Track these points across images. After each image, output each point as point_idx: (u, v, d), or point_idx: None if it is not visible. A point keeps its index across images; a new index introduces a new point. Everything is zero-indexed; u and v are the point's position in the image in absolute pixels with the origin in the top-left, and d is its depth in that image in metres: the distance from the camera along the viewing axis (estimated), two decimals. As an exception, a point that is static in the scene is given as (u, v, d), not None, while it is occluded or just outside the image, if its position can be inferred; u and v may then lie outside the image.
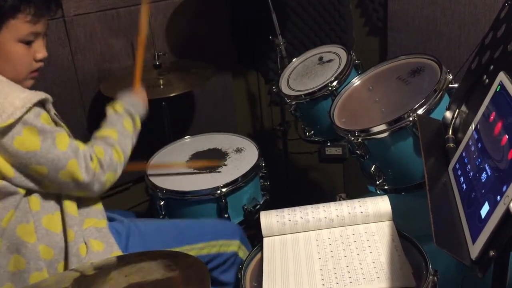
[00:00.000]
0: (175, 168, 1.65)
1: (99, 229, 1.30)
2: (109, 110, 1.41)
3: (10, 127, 1.10)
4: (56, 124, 1.21)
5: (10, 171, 1.15)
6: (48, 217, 1.23)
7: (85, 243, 1.26)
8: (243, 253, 1.45)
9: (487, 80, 1.03)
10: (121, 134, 1.36)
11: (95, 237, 1.28)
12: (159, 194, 1.54)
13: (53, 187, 1.22)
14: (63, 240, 1.24)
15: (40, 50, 1.24)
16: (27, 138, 1.13)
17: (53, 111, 1.21)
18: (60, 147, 1.18)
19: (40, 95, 1.16)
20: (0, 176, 1.14)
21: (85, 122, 2.01)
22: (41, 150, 1.15)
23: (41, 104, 1.16)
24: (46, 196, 1.23)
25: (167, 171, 1.64)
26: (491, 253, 0.73)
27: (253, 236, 1.31)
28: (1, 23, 1.15)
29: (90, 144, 1.30)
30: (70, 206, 1.25)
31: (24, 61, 1.21)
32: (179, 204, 1.55)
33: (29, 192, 1.20)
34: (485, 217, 0.77)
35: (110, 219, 1.39)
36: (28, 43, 1.21)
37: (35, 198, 1.21)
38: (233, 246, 1.44)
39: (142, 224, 1.42)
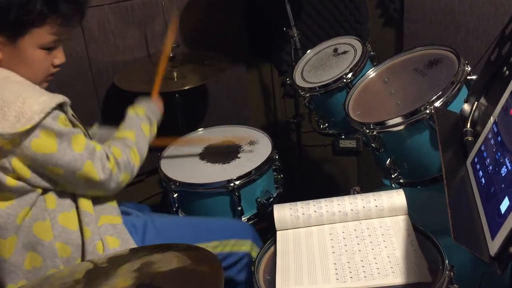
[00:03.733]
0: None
1: (114, 226, 1.31)
2: (130, 111, 1.44)
3: (28, 132, 1.10)
4: (73, 125, 1.22)
5: (26, 172, 1.15)
6: (64, 215, 1.24)
7: (101, 240, 1.27)
8: (256, 253, 1.44)
9: (507, 72, 1.01)
10: (138, 136, 1.39)
11: (111, 233, 1.29)
12: (172, 186, 1.54)
13: (69, 187, 1.23)
14: (80, 237, 1.25)
15: (59, 56, 1.24)
16: (44, 140, 1.13)
17: (70, 112, 1.21)
18: (77, 149, 1.19)
19: (58, 98, 1.15)
20: (17, 177, 1.15)
21: (99, 114, 2.02)
22: (58, 152, 1.16)
23: (59, 106, 1.16)
24: (62, 194, 1.24)
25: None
26: (511, 249, 0.72)
27: (266, 230, 1.30)
28: (25, 31, 1.15)
29: (108, 144, 1.31)
30: (85, 203, 1.26)
31: (43, 66, 1.22)
32: (192, 196, 1.55)
33: (45, 190, 1.21)
34: (505, 212, 0.75)
35: (126, 213, 1.40)
36: (49, 49, 1.21)
37: (51, 196, 1.22)
38: (246, 246, 1.44)
39: (158, 219, 1.44)
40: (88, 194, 1.27)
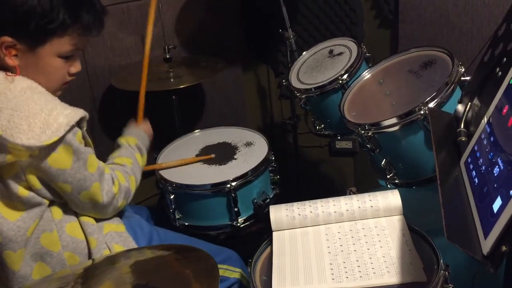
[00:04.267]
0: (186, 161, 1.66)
1: (120, 234, 1.32)
2: (123, 142, 1.45)
3: (52, 145, 1.09)
4: (85, 140, 1.21)
5: (37, 183, 1.15)
6: (71, 225, 1.25)
7: (109, 248, 1.27)
8: (246, 282, 1.45)
9: (500, 73, 1.02)
10: (134, 166, 1.41)
11: (117, 241, 1.30)
12: (169, 187, 1.55)
13: (71, 204, 1.24)
14: (87, 247, 1.25)
15: (75, 65, 1.24)
16: (61, 156, 1.13)
17: (85, 127, 1.21)
18: (90, 169, 1.19)
19: (81, 113, 1.16)
20: (28, 187, 1.15)
21: (96, 117, 2.02)
22: (71, 169, 1.16)
23: (79, 121, 1.16)
24: (66, 205, 1.24)
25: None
26: (503, 248, 0.72)
27: (263, 230, 1.31)
28: (46, 39, 1.14)
29: (111, 167, 1.32)
30: (85, 215, 1.27)
31: (60, 74, 1.21)
32: (189, 197, 1.55)
33: (51, 202, 1.21)
34: (497, 211, 0.76)
35: (127, 217, 1.41)
36: (67, 57, 1.20)
37: (57, 207, 1.23)
38: (236, 274, 1.44)
39: (162, 232, 1.46)
40: (85, 214, 1.27)
